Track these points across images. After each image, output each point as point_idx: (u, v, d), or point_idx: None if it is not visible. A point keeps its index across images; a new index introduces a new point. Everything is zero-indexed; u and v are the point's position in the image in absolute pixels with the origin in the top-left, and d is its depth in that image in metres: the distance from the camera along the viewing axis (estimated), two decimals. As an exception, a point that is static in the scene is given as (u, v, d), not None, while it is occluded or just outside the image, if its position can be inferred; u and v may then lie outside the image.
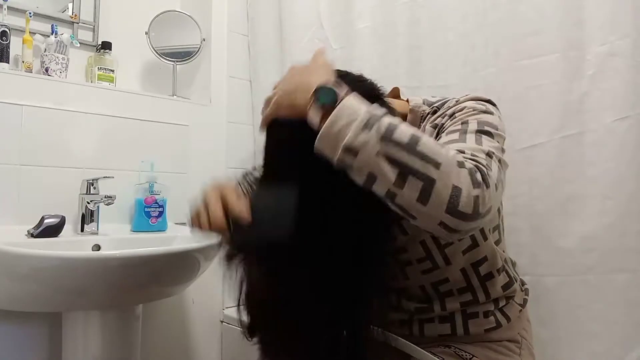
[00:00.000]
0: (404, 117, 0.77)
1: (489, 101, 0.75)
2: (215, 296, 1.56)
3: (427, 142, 0.56)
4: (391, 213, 0.60)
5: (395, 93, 0.85)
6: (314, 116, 0.58)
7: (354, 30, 1.37)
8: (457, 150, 0.60)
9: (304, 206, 0.60)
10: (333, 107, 0.57)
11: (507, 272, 0.84)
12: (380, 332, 0.84)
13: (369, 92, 0.68)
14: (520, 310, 0.85)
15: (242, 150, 1.64)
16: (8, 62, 1.26)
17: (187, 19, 1.58)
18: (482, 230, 0.78)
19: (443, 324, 0.81)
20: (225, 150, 1.60)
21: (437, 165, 0.54)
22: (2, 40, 1.25)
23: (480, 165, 0.57)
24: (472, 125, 0.67)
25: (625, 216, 0.97)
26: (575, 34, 1.02)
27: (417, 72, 1.25)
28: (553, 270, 1.04)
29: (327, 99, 0.58)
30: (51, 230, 1.11)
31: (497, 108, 0.75)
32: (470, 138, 0.64)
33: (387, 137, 0.55)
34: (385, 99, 0.72)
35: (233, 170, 1.62)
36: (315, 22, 1.46)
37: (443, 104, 0.78)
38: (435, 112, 0.77)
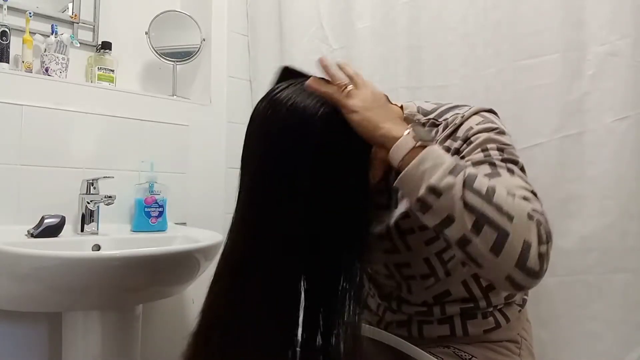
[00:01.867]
0: None
1: (490, 111, 0.74)
2: (215, 296, 1.56)
3: (501, 194, 0.56)
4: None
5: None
6: (398, 150, 0.60)
7: (354, 30, 1.37)
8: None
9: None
10: (422, 148, 0.58)
11: None
12: (377, 331, 0.84)
13: None
14: (520, 311, 0.85)
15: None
16: (8, 62, 1.26)
17: (187, 19, 1.58)
18: None
19: (442, 325, 0.82)
20: (225, 150, 1.60)
21: (510, 218, 0.55)
22: (2, 40, 1.25)
23: (542, 218, 0.58)
24: (494, 153, 0.66)
25: (625, 216, 0.97)
26: (575, 34, 1.02)
27: (417, 72, 1.25)
28: (553, 270, 1.01)
29: (425, 136, 0.59)
30: (51, 230, 1.11)
31: (498, 116, 0.75)
32: (503, 170, 0.64)
33: (469, 184, 0.56)
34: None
35: (233, 170, 1.62)
36: (315, 22, 1.47)
37: (441, 114, 0.76)
38: (433, 124, 0.75)
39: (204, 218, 1.50)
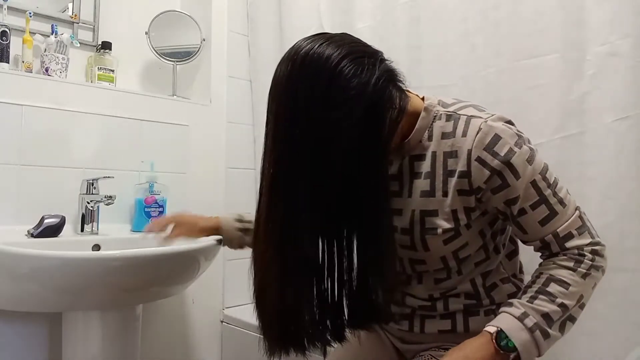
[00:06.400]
0: (417, 114, 0.77)
1: (509, 122, 0.76)
2: (215, 296, 1.56)
3: (568, 298, 0.73)
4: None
5: None
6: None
7: (354, 30, 1.37)
8: (564, 236, 0.73)
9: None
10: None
11: (514, 283, 0.84)
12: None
13: (395, 76, 0.71)
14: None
15: (242, 150, 1.64)
16: (8, 62, 1.26)
17: (187, 19, 1.58)
18: (496, 245, 0.81)
19: (444, 320, 0.82)
20: (225, 150, 1.60)
21: (582, 300, 0.74)
22: (2, 40, 1.25)
23: (593, 249, 0.73)
24: (543, 186, 0.73)
25: (625, 216, 0.97)
26: (575, 34, 1.02)
27: (417, 72, 1.25)
28: (553, 270, 1.03)
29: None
30: (51, 230, 1.11)
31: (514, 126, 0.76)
32: (558, 207, 0.73)
33: (548, 328, 0.73)
34: (405, 88, 0.74)
35: (233, 170, 1.62)
36: (315, 22, 1.46)
37: (460, 108, 0.76)
38: (449, 117, 0.76)
39: (204, 218, 1.50)
